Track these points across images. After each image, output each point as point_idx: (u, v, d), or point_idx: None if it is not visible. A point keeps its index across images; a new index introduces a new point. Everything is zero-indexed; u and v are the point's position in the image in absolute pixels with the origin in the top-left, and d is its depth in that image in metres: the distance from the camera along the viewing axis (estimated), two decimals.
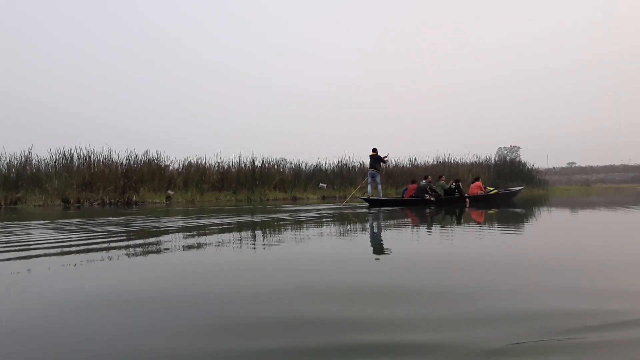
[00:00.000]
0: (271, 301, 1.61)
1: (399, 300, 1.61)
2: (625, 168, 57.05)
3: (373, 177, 11.50)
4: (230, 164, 19.46)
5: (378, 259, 2.65)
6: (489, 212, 7.16)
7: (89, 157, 16.19)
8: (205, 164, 19.05)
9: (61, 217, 7.27)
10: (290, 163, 21.37)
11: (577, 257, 2.55)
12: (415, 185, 10.45)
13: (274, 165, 20.10)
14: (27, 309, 1.59)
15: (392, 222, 5.46)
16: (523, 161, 28.69)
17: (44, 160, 15.75)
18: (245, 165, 19.34)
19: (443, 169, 21.37)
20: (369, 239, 3.77)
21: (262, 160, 19.73)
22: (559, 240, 3.58)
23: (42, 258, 2.78)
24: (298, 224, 5.19)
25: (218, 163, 19.40)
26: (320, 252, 2.93)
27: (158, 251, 3.07)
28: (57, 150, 16.14)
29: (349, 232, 4.37)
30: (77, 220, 6.51)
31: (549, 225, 5.02)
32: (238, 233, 4.22)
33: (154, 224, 5.39)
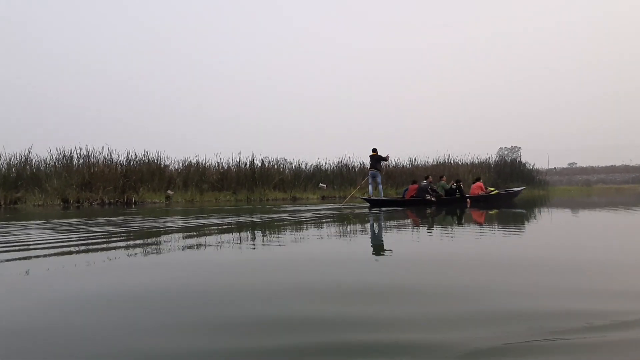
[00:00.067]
0: (270, 301, 1.61)
1: (398, 299, 1.61)
2: (626, 168, 57.01)
3: (374, 177, 11.48)
4: (230, 164, 19.48)
5: (377, 259, 2.65)
6: (490, 212, 7.14)
7: (89, 156, 16.21)
8: (205, 164, 19.07)
9: (60, 217, 7.26)
10: (291, 163, 21.39)
11: (577, 258, 2.55)
12: (416, 186, 10.43)
13: (273, 166, 20.11)
14: (27, 309, 1.58)
15: (392, 222, 5.45)
16: (523, 161, 28.69)
17: (44, 160, 15.77)
18: (245, 165, 19.34)
19: (443, 169, 21.33)
20: (369, 239, 3.76)
21: (262, 160, 19.75)
22: (559, 240, 3.58)
23: (41, 258, 2.78)
24: (296, 224, 5.19)
25: (218, 163, 19.43)
26: (319, 252, 2.92)
27: (157, 251, 3.06)
28: (57, 150, 16.18)
29: (349, 232, 4.36)
30: (73, 220, 6.50)
31: (550, 225, 5.01)
32: (237, 233, 4.22)
33: (152, 224, 5.38)
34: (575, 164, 71.33)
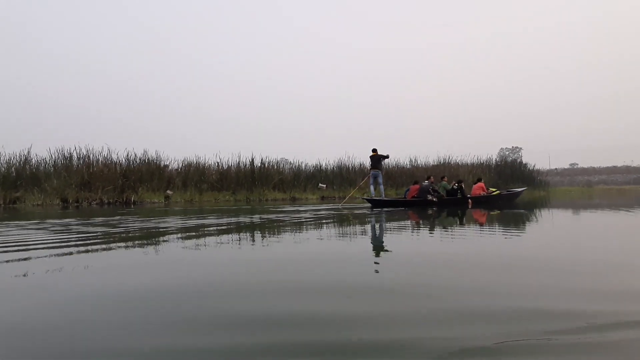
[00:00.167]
0: (266, 300, 1.60)
1: (395, 298, 1.60)
2: (627, 169, 56.93)
3: (375, 177, 11.43)
4: (230, 164, 19.45)
5: (377, 259, 2.62)
6: (491, 213, 7.09)
7: (88, 156, 16.19)
8: (205, 164, 19.04)
9: (58, 217, 7.22)
10: (291, 163, 21.36)
11: (578, 258, 2.53)
12: (417, 186, 10.37)
13: (273, 166, 20.07)
14: (27, 309, 1.56)
15: (393, 222, 5.42)
16: (524, 162, 28.59)
17: (43, 159, 15.75)
18: (244, 166, 19.30)
19: (443, 169, 21.28)
20: (368, 240, 3.74)
21: (262, 161, 19.71)
22: (559, 241, 3.55)
23: (40, 258, 2.75)
24: (294, 225, 5.16)
25: (217, 163, 19.41)
26: (316, 252, 2.89)
27: (156, 251, 3.05)
28: (57, 150, 16.16)
29: (348, 232, 4.33)
30: (72, 220, 6.46)
31: (550, 226, 4.98)
32: (237, 234, 4.20)
33: (151, 225, 5.35)
34: (577, 164, 71.18)
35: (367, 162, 12.05)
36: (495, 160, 27.24)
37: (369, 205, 10.29)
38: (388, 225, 5.00)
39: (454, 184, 10.63)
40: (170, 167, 18.13)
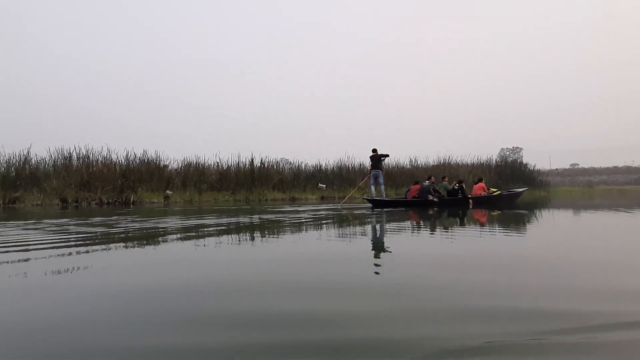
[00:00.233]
0: (264, 299, 1.60)
1: (390, 297, 1.59)
2: (628, 170, 56.82)
3: (376, 177, 11.41)
4: (230, 164, 19.42)
5: (377, 259, 2.62)
6: (492, 213, 7.07)
7: (88, 156, 16.18)
8: (204, 164, 19.02)
9: (58, 217, 7.21)
10: (290, 163, 21.33)
11: (578, 258, 2.53)
12: (418, 186, 10.36)
13: (273, 166, 20.04)
14: (27, 309, 1.56)
15: (393, 223, 5.41)
16: (525, 162, 28.54)
17: (43, 159, 15.73)
18: (244, 166, 19.28)
19: (444, 170, 21.26)
20: (370, 240, 3.73)
21: (261, 161, 19.69)
22: (559, 241, 3.55)
23: (39, 259, 2.75)
24: (293, 225, 5.15)
25: (217, 163, 19.38)
26: (316, 252, 2.89)
27: (155, 251, 3.05)
28: (56, 150, 16.14)
29: (348, 233, 4.32)
30: (71, 220, 6.45)
31: (550, 226, 4.98)
32: (236, 234, 4.19)
33: (150, 225, 5.33)
34: (577, 164, 71.08)
35: (367, 162, 12.03)
36: (496, 160, 27.21)
37: (368, 205, 10.27)
38: (388, 225, 4.99)
39: (455, 184, 10.61)
40: (169, 167, 18.12)
